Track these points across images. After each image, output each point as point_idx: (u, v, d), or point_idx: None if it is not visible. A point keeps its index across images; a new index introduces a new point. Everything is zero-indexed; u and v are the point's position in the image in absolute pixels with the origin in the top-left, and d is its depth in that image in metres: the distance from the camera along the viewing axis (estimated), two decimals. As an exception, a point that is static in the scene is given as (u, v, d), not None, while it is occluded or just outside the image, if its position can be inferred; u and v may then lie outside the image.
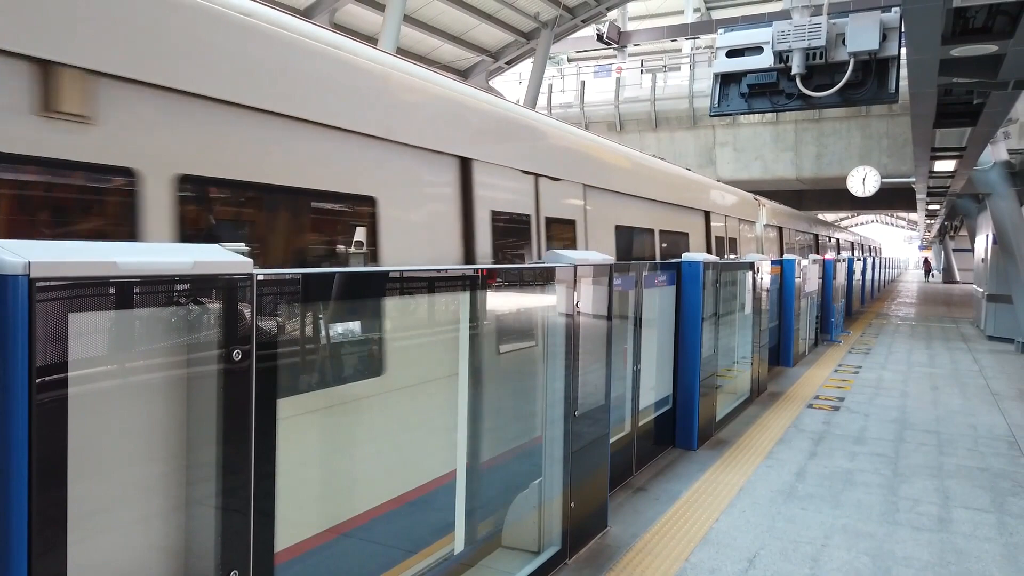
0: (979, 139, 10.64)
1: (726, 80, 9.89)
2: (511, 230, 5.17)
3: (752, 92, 9.66)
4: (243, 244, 3.12)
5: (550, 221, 5.69)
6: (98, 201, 2.60)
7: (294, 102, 3.27)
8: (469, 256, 4.60)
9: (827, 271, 15.39)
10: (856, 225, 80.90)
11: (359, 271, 3.20)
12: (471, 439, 3.89)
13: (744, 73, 9.67)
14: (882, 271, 36.08)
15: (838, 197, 23.84)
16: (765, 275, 9.68)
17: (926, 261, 62.85)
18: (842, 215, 57.75)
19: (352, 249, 3.75)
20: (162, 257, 1.88)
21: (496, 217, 4.93)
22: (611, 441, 4.98)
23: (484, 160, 4.80)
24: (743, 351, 8.94)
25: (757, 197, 13.61)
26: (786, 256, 11.92)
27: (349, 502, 3.29)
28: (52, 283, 1.64)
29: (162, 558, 1.96)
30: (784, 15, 10.07)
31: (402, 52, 18.26)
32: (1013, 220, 14.92)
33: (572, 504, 4.31)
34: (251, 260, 2.10)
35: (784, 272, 11.67)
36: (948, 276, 52.02)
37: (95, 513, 1.79)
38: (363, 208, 3.78)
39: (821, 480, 6.02)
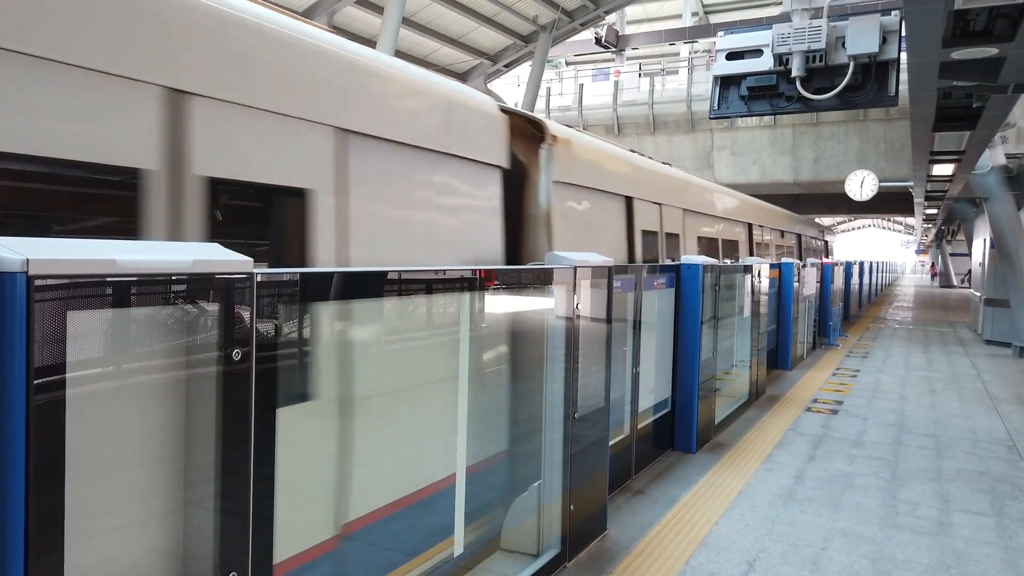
0: (978, 143, 10.66)
1: (726, 83, 9.90)
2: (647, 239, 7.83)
3: (751, 95, 9.67)
4: None
5: (668, 235, 8.57)
6: None
7: None
8: (632, 255, 7.34)
9: (825, 275, 15.41)
10: (853, 230, 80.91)
11: (357, 271, 3.17)
12: (470, 441, 3.87)
13: (744, 76, 9.68)
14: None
15: (836, 201, 23.88)
16: (763, 278, 9.68)
17: (933, 266, 62.58)
18: (839, 219, 57.88)
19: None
20: (162, 255, 1.86)
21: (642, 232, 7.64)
22: (610, 444, 4.96)
23: (639, 198, 7.53)
24: (742, 354, 8.93)
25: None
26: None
27: (350, 505, 3.26)
28: (51, 281, 1.62)
29: (161, 559, 1.94)
30: (784, 18, 10.08)
31: (401, 54, 18.26)
32: (1010, 224, 14.95)
33: (571, 507, 4.29)
34: (251, 259, 2.08)
35: (782, 275, 11.67)
36: (945, 280, 52.18)
37: (93, 515, 1.77)
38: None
39: (820, 483, 6.01)
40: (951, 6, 5.08)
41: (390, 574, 3.40)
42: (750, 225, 13.79)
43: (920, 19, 5.28)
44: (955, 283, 50.83)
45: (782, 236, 17.64)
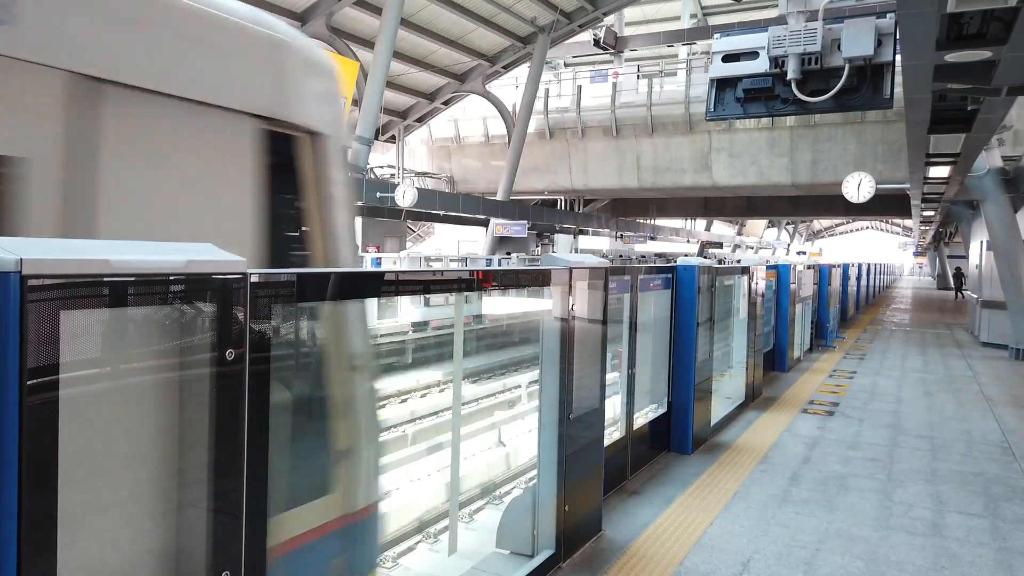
0: (974, 145, 10.69)
1: (722, 85, 9.90)
2: None
3: (748, 97, 9.67)
4: None
5: None
6: None
7: None
8: None
9: (823, 277, 15.46)
10: (853, 232, 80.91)
11: (355, 272, 3.19)
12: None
13: (740, 78, 9.68)
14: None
15: (833, 203, 23.94)
16: (760, 280, 9.70)
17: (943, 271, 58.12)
18: (837, 221, 57.98)
19: None
20: (156, 255, 1.88)
21: None
22: (605, 444, 4.97)
23: None
24: (738, 356, 8.94)
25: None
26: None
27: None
28: (45, 281, 1.63)
29: (154, 559, 1.95)
30: (780, 21, 10.11)
31: (399, 55, 18.27)
32: (1007, 227, 14.99)
33: (566, 507, 4.30)
34: (245, 260, 2.09)
35: (779, 277, 11.70)
36: (943, 282, 52.30)
37: (87, 515, 1.78)
38: None
39: (815, 485, 6.02)
40: (944, 9, 5.10)
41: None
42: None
43: (914, 22, 5.30)
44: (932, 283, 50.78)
45: None
